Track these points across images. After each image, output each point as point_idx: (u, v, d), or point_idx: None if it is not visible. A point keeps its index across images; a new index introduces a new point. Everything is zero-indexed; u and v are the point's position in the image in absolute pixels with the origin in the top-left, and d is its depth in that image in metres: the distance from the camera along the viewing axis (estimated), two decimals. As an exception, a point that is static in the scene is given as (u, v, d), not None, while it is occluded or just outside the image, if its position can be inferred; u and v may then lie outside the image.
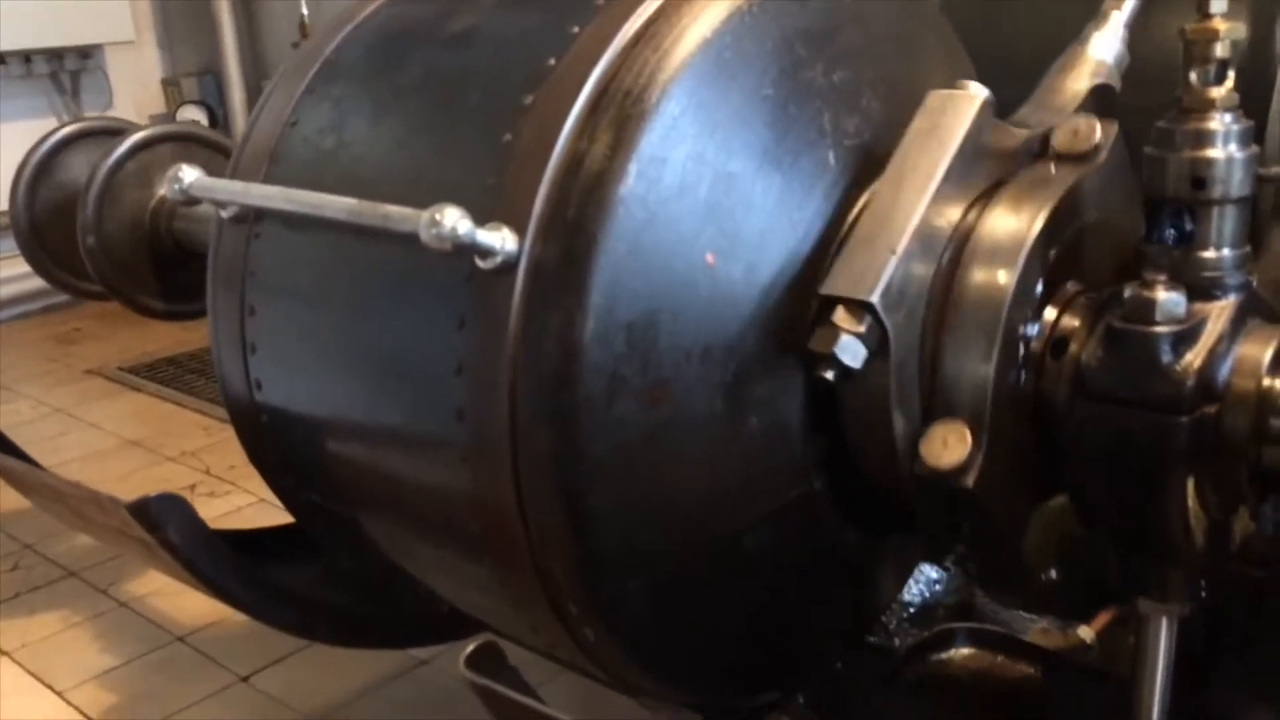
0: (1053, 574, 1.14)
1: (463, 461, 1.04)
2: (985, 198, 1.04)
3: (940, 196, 1.01)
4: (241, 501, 2.85)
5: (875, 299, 0.97)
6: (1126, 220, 1.06)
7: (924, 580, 2.32)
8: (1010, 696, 1.48)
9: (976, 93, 1.03)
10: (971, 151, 1.03)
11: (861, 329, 0.97)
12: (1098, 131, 1.05)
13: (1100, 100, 1.15)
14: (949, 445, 0.98)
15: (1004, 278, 0.99)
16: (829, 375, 0.97)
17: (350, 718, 2.13)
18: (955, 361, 1.00)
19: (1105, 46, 1.18)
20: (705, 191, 0.98)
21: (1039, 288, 1.01)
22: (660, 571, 1.05)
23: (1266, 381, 0.91)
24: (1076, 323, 1.01)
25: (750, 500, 1.06)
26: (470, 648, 1.09)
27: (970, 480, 0.97)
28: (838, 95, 1.06)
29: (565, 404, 0.96)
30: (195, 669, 2.28)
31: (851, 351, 0.96)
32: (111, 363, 3.99)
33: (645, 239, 0.96)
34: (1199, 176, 0.92)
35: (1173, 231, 0.98)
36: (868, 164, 1.06)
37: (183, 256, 2.02)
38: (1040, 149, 1.09)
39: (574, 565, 1.02)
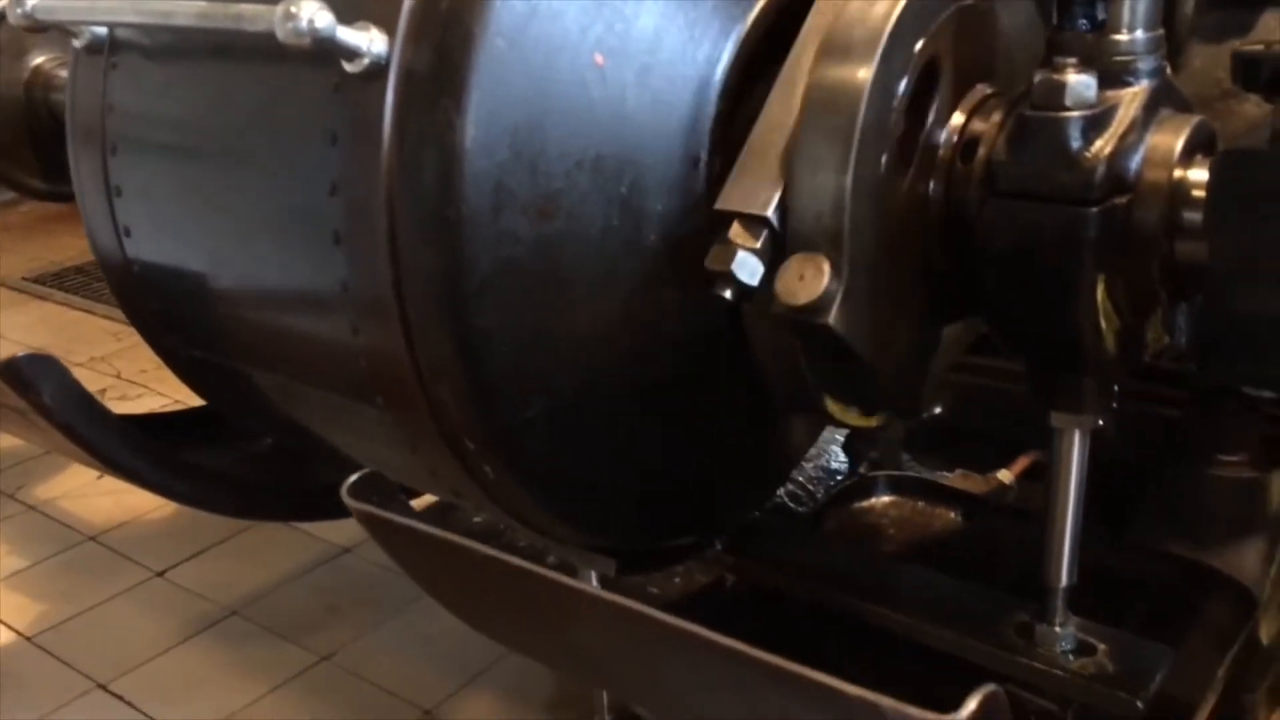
0: (936, 410, 1.10)
1: (343, 290, 0.97)
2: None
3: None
4: (154, 404, 2.75)
5: (770, 213, 0.91)
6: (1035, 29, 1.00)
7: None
8: (931, 540, 1.47)
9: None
10: None
11: (757, 245, 0.91)
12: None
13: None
14: (805, 280, 0.90)
15: (859, 73, 0.89)
16: (727, 294, 0.91)
17: (272, 606, 2.08)
18: (808, 177, 0.91)
19: None
20: (591, -14, 0.91)
21: (905, 85, 0.91)
22: (559, 400, 1.00)
23: (1178, 172, 0.88)
24: (987, 124, 0.96)
25: (654, 324, 1.01)
26: (354, 477, 1.04)
27: (830, 317, 0.89)
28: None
29: (448, 218, 0.90)
30: (109, 567, 2.21)
31: (749, 268, 0.90)
32: (16, 273, 3.83)
33: (528, 34, 0.89)
34: (1109, -47, 0.87)
35: (1084, 23, 0.93)
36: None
37: (61, 131, 1.90)
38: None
39: (466, 395, 0.97)
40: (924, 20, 0.93)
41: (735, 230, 0.92)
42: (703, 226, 0.98)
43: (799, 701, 0.74)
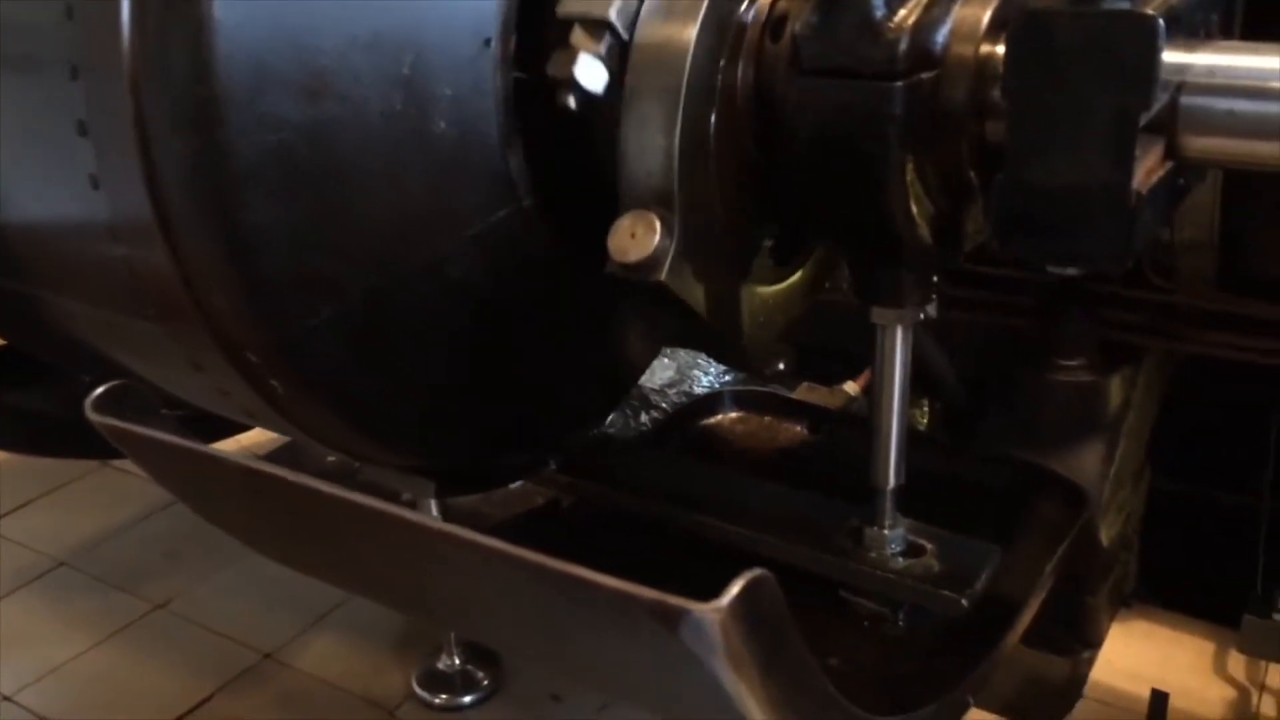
0: (780, 366, 1.06)
1: (94, 188, 0.87)
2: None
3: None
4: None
5: (613, 16, 0.86)
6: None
7: (714, 370, 2.28)
8: (776, 454, 1.44)
9: None
10: None
11: (600, 48, 0.86)
12: None
13: None
14: (637, 237, 0.86)
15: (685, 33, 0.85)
16: (571, 102, 0.86)
17: (106, 555, 1.96)
18: (637, 137, 0.87)
19: None
20: None
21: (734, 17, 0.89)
22: (349, 306, 0.92)
23: (985, 47, 0.83)
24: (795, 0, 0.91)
25: (448, 219, 0.94)
26: (99, 390, 0.95)
27: (662, 274, 0.86)
28: None
29: (201, 98, 0.80)
30: (-76, 523, 2.06)
31: (592, 73, 0.86)
32: None
33: (283, -106, 0.79)
34: None
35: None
36: None
37: None
38: None
39: (242, 301, 0.88)
40: None
41: (577, 34, 0.87)
42: (497, 112, 0.90)
43: (564, 600, 0.69)
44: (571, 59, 0.88)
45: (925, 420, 1.75)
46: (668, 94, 0.86)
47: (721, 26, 0.89)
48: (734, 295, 0.96)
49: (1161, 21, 0.69)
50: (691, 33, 0.86)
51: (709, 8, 0.87)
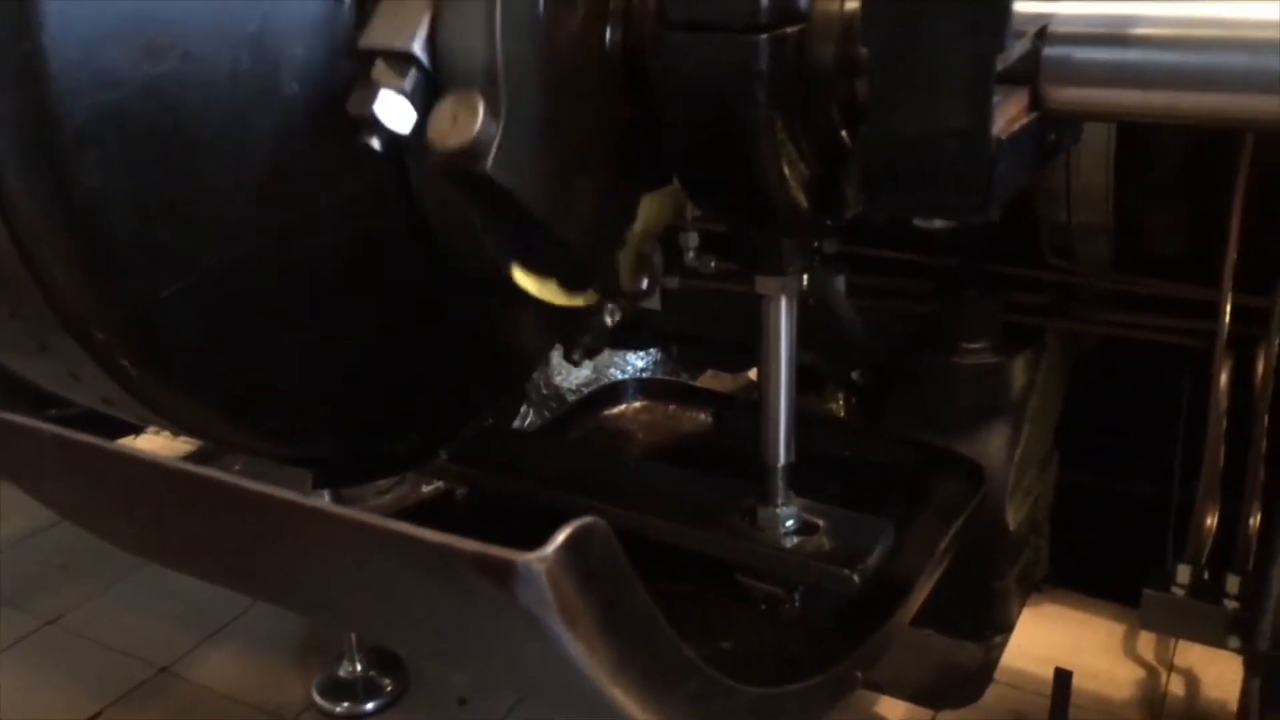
0: (644, 285, 1.02)
1: (-80, 152, 0.82)
2: None
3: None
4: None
5: (418, 49, 0.80)
6: None
7: (629, 368, 2.25)
8: (679, 440, 1.42)
9: None
10: None
11: (405, 84, 0.80)
12: None
13: None
14: (458, 121, 0.80)
15: None
16: (375, 144, 0.81)
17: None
18: (457, 6, 0.81)
19: None
20: None
21: None
22: (200, 279, 0.87)
23: (850, 4, 0.81)
24: (664, -44, 0.88)
25: (303, 189, 0.90)
26: None
27: (488, 163, 0.80)
28: None
29: (27, 53, 0.76)
30: None
31: (396, 112, 0.80)
32: None
33: None
34: None
35: None
36: None
37: None
38: None
39: (82, 271, 0.83)
40: None
41: (379, 69, 0.81)
42: (353, 75, 0.87)
43: (397, 563, 0.65)
44: (372, 96, 0.81)
45: (842, 410, 1.75)
46: None
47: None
48: (582, 201, 0.90)
49: (1011, -38, 0.68)
50: None
51: None
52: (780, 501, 1.06)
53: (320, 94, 0.87)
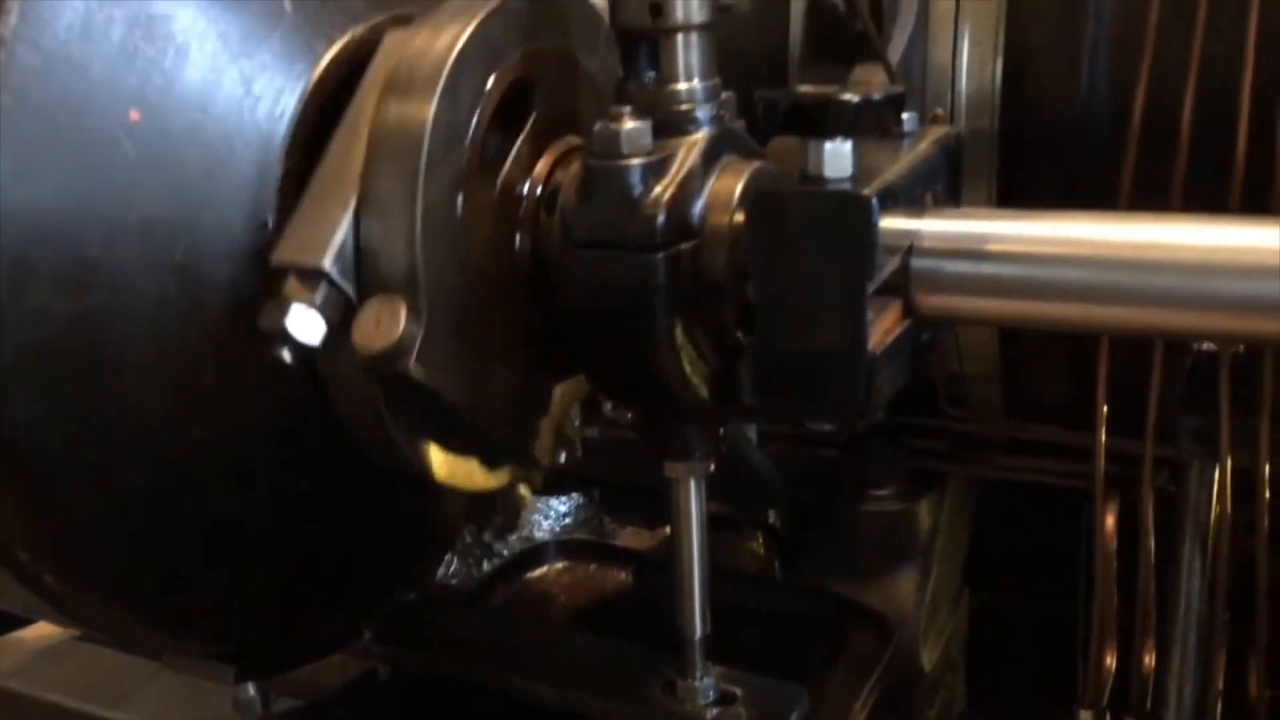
0: (562, 458, 1.07)
1: None
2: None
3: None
4: None
5: (328, 265, 0.85)
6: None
7: (553, 515, 2.27)
8: (600, 603, 1.45)
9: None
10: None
11: (316, 299, 0.85)
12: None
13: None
14: (381, 325, 0.85)
15: (421, 108, 0.86)
16: (286, 356, 0.86)
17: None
18: (377, 218, 0.87)
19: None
20: (120, 35, 0.83)
21: (475, 121, 0.89)
22: (126, 496, 0.90)
23: (739, 216, 0.89)
24: (567, 174, 0.96)
25: (232, 401, 0.93)
26: None
27: (410, 362, 0.85)
28: (291, -62, 0.94)
29: (-47, 299, 0.79)
30: None
31: (307, 325, 0.85)
32: None
33: (41, 89, 0.80)
34: (655, 3, 0.88)
35: (652, 73, 0.94)
36: (336, 15, 0.95)
37: None
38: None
39: (8, 498, 0.85)
40: (494, 55, 0.91)
41: (291, 284, 0.86)
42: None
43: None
44: (283, 310, 0.85)
45: (762, 549, 1.79)
46: (406, 172, 0.85)
47: (467, 103, 0.89)
48: (498, 389, 0.95)
49: (876, 200, 0.76)
50: (428, 109, 0.85)
51: (450, 78, 0.86)
52: (698, 674, 1.09)
53: (246, 312, 0.91)
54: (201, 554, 0.97)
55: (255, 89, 0.91)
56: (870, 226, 0.76)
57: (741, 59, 0.99)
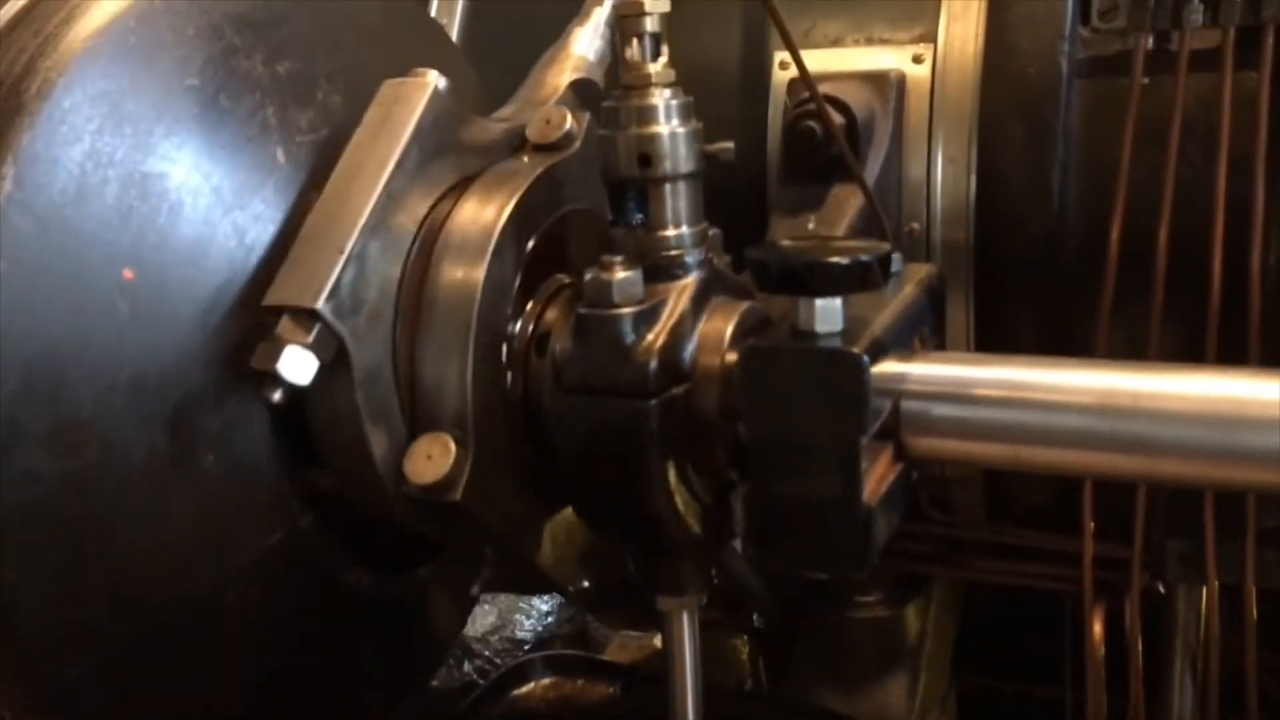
0: (584, 584, 1.09)
1: None
2: (458, 191, 0.98)
3: (398, 190, 0.93)
4: None
5: (321, 305, 0.87)
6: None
7: (535, 614, 2.25)
8: (589, 718, 1.43)
9: (432, 80, 0.97)
10: (434, 143, 0.97)
11: (309, 339, 0.86)
12: (569, 120, 1.02)
13: (581, 94, 1.13)
14: (433, 458, 0.90)
15: (473, 272, 0.93)
16: (276, 397, 0.86)
17: None
18: (433, 367, 0.93)
19: (586, 43, 1.17)
20: (115, 196, 0.84)
21: (517, 281, 0.96)
22: (117, 651, 0.88)
23: (730, 356, 0.90)
24: (557, 315, 0.97)
25: (220, 552, 0.92)
26: None
27: (458, 493, 0.90)
28: (284, 87, 0.96)
29: (-53, 462, 0.78)
30: None
31: (297, 366, 0.86)
32: None
33: (36, 254, 0.81)
34: (645, 154, 0.90)
35: (640, 216, 0.95)
36: (329, 161, 0.96)
37: None
38: (519, 143, 1.05)
39: (-5, 659, 0.84)
40: (533, 221, 0.98)
41: (284, 325, 0.86)
42: (266, 439, 0.91)
43: None
44: (277, 352, 0.86)
45: (747, 652, 1.78)
46: (461, 326, 0.92)
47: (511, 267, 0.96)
48: (533, 514, 1.00)
49: (867, 359, 0.77)
50: (480, 274, 0.92)
51: (496, 250, 0.94)
52: (696, 804, 1.08)
53: (234, 461, 0.91)
54: (186, 702, 0.96)
55: (249, 239, 0.92)
56: (863, 384, 0.77)
57: (720, 173, 1.01)
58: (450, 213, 0.96)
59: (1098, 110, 1.31)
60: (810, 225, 1.33)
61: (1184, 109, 1.14)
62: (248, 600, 0.96)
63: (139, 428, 0.86)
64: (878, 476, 0.83)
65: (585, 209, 1.04)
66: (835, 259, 0.77)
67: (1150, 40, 1.16)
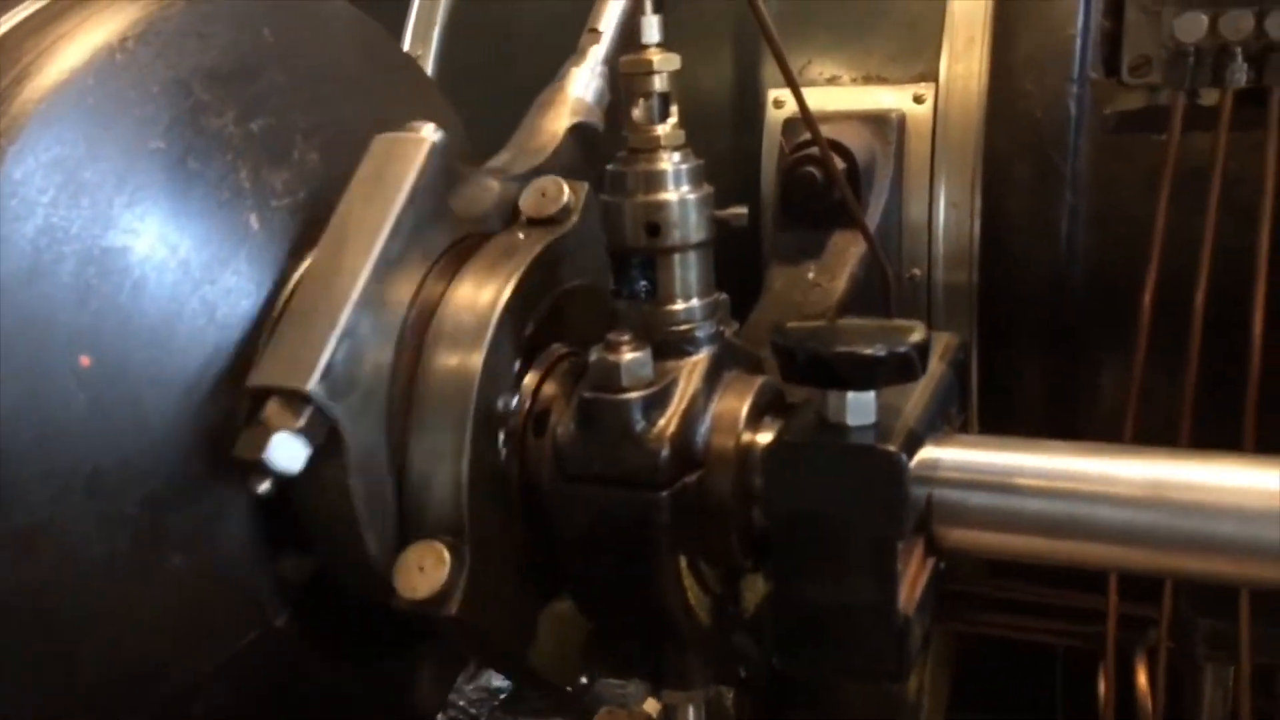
0: (584, 680, 1.02)
1: None
2: (454, 262, 0.90)
3: (393, 258, 0.85)
4: None
5: (313, 386, 0.79)
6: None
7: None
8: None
9: (427, 134, 0.89)
10: (430, 206, 0.89)
11: (300, 423, 0.78)
12: (566, 193, 0.94)
13: (580, 139, 1.06)
14: (426, 570, 0.82)
15: (469, 363, 0.84)
16: (263, 489, 0.78)
17: None
18: (425, 465, 0.84)
19: (584, 84, 1.10)
20: (71, 274, 0.76)
21: (515, 369, 0.89)
22: (72, 767, 0.80)
23: (746, 436, 0.84)
24: (556, 391, 0.90)
25: (188, 656, 0.84)
26: None
27: (453, 608, 0.81)
28: (258, 146, 0.88)
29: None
30: None
31: (288, 453, 0.78)
32: None
33: (-17, 344, 0.72)
34: (653, 222, 0.84)
35: (645, 284, 0.88)
36: (308, 226, 0.89)
37: None
38: (512, 214, 0.97)
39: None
40: (532, 303, 0.90)
41: (271, 409, 0.78)
42: (240, 537, 0.84)
43: None
44: (264, 439, 0.78)
45: (731, 700, 1.72)
46: (456, 422, 0.84)
47: (509, 354, 0.88)
48: (531, 620, 0.92)
49: (905, 457, 0.71)
50: (478, 364, 0.84)
51: (494, 339, 0.86)
52: None
53: (204, 561, 0.83)
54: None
55: (220, 316, 0.84)
56: (902, 484, 0.71)
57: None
58: (444, 294, 0.88)
59: (1106, 156, 1.27)
60: (810, 275, 1.27)
61: (1223, 166, 1.09)
62: (218, 705, 0.87)
63: (98, 529, 0.78)
64: (911, 578, 0.77)
65: (584, 285, 0.96)
66: (871, 350, 0.71)
67: (1183, 97, 1.11)
